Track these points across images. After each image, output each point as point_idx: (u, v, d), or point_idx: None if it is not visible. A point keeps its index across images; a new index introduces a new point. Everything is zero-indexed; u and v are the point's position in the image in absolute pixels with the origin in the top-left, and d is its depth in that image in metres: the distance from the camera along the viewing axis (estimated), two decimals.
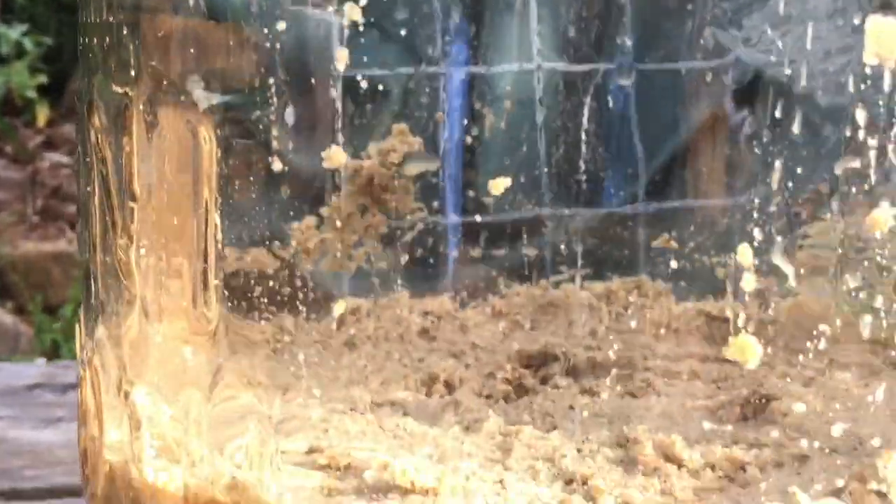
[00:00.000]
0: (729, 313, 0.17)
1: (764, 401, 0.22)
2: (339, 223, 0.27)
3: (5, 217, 1.85)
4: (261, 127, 0.17)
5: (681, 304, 0.31)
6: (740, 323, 0.17)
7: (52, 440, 0.60)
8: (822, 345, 0.18)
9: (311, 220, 0.26)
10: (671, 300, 0.31)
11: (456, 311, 0.33)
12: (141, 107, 0.19)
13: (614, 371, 0.28)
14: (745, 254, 0.17)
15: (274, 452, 0.20)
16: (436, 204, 0.32)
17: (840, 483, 0.18)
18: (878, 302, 0.18)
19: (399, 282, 0.31)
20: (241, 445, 0.20)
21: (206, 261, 0.19)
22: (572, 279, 0.33)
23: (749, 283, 0.17)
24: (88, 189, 0.23)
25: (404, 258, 0.31)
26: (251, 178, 0.18)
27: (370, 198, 0.29)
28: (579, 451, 0.21)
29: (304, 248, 0.24)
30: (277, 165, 0.18)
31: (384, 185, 0.29)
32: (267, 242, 0.19)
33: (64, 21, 2.00)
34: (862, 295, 0.17)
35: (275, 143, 0.17)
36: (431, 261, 0.33)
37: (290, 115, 0.17)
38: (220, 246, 0.19)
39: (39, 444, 0.58)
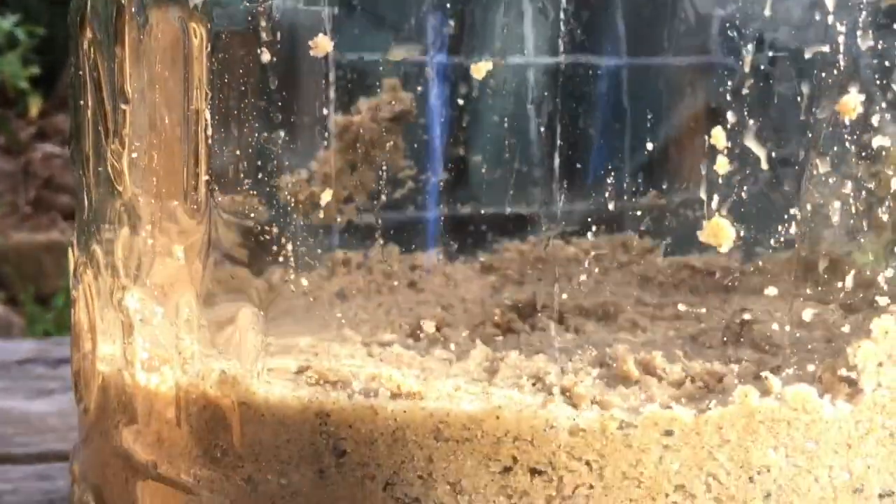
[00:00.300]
0: (703, 195, 0.17)
1: (745, 325, 0.23)
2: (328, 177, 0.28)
3: None
4: (249, 18, 0.18)
5: (666, 259, 0.31)
6: (714, 206, 0.18)
7: (43, 410, 0.60)
8: (794, 229, 0.18)
9: (302, 172, 0.26)
10: (657, 255, 0.32)
11: (445, 266, 0.33)
12: (133, 9, 0.20)
13: (600, 311, 0.29)
14: (718, 136, 0.17)
15: (263, 348, 0.20)
16: (425, 161, 0.32)
17: (811, 368, 0.19)
18: (847, 188, 0.18)
19: (389, 237, 0.32)
20: (231, 340, 0.20)
21: (196, 159, 0.20)
22: (561, 236, 0.33)
23: (722, 165, 0.18)
24: (81, 103, 0.23)
25: (394, 214, 0.32)
26: (241, 71, 0.19)
27: (360, 154, 0.30)
28: (563, 370, 0.22)
29: (296, 200, 0.25)
30: (266, 57, 0.18)
31: (374, 142, 0.30)
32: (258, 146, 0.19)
33: (56, 12, 1.99)
34: (832, 181, 0.18)
35: (263, 35, 0.18)
36: (421, 217, 0.33)
37: (277, 5, 0.18)
38: (210, 143, 0.19)
39: (31, 413, 0.59)
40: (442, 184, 0.33)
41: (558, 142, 0.26)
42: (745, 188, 0.18)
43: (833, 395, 0.19)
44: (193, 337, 0.21)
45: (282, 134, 0.19)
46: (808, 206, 0.18)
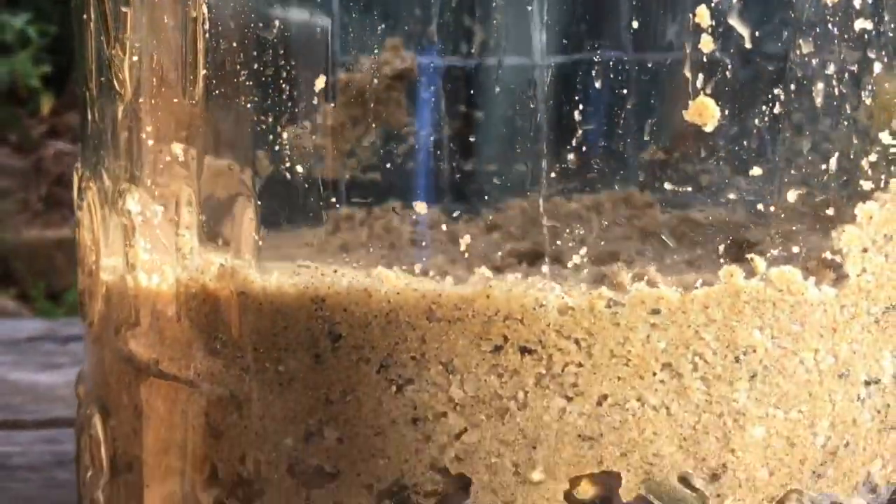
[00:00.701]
0: (688, 74, 0.18)
1: (743, 247, 0.23)
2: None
3: (9, 205, 1.86)
4: None
5: (666, 213, 0.32)
6: (699, 84, 0.18)
7: (52, 381, 0.61)
8: (778, 108, 0.19)
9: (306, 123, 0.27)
10: (657, 210, 0.32)
11: (448, 223, 0.34)
12: None
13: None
14: (702, 15, 0.18)
15: (260, 237, 0.21)
16: (428, 118, 0.33)
17: (796, 250, 0.19)
18: (831, 69, 0.18)
19: (391, 193, 0.32)
20: (229, 232, 0.21)
21: (195, 54, 0.20)
22: (563, 192, 0.34)
23: (706, 44, 0.18)
24: (84, 17, 0.24)
25: (397, 170, 0.32)
26: None
27: (362, 109, 0.30)
28: (555, 255, 0.22)
29: (299, 150, 0.25)
30: None
31: (376, 98, 0.30)
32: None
33: (68, 12, 2.01)
34: (815, 62, 0.18)
35: None
36: (424, 174, 0.34)
37: None
38: (208, 36, 0.20)
39: (40, 384, 0.59)
40: (444, 141, 0.33)
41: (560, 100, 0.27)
42: (729, 67, 0.18)
43: (818, 279, 0.19)
44: (193, 233, 0.21)
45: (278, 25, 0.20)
46: (792, 87, 0.18)
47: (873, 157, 0.19)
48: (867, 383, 0.20)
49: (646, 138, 0.19)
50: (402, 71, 0.31)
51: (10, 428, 0.54)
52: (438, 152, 0.33)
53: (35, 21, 1.92)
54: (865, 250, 0.20)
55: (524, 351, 0.19)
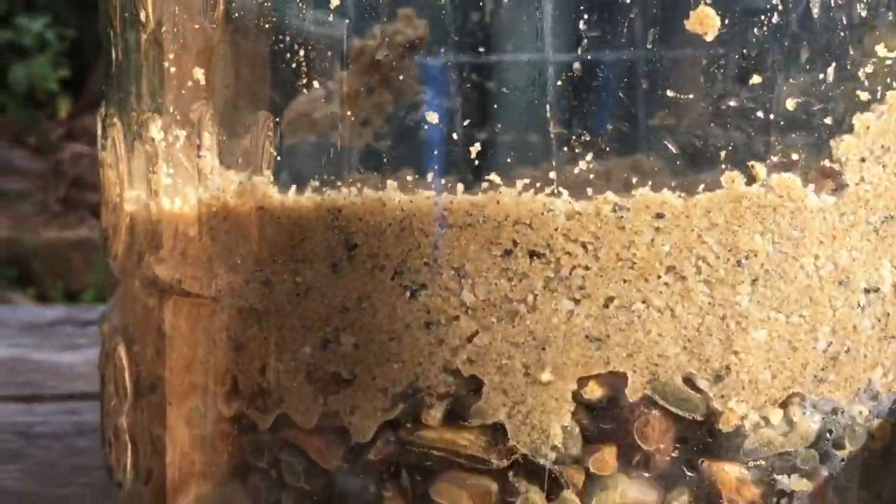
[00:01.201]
0: None
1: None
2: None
3: (27, 207, 1.88)
4: None
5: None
6: None
7: (72, 361, 0.62)
8: (776, 19, 0.19)
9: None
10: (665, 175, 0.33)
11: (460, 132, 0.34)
12: None
13: None
14: None
15: (277, 155, 0.21)
16: (441, 87, 0.33)
17: (795, 157, 0.20)
18: None
19: (405, 161, 0.33)
20: (248, 149, 0.22)
21: None
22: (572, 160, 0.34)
23: None
24: None
25: (410, 139, 0.33)
26: None
27: (376, 78, 0.31)
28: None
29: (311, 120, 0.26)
30: None
31: (389, 66, 0.31)
32: None
33: (86, 16, 2.04)
34: None
35: None
36: (437, 142, 0.34)
37: None
38: None
39: (61, 364, 0.60)
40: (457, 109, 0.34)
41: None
42: None
43: (817, 187, 0.20)
44: (213, 153, 0.22)
45: None
46: None
47: (870, 69, 0.20)
48: (867, 291, 0.21)
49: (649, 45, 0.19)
50: None
51: (31, 401, 0.55)
52: None
53: (53, 25, 1.95)
54: (863, 160, 0.20)
55: (533, 255, 0.20)
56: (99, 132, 0.28)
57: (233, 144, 0.22)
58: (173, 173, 0.23)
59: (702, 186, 0.20)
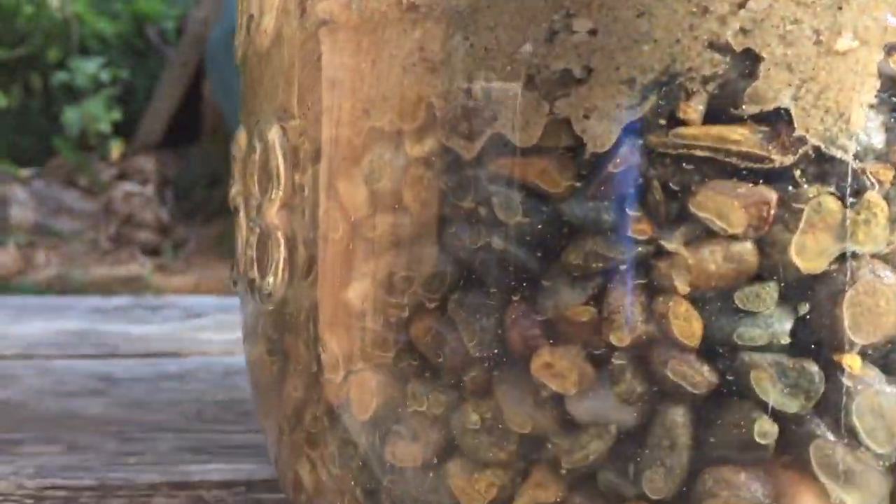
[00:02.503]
0: None
1: None
2: None
3: (78, 245, 1.87)
4: None
5: None
6: None
7: (145, 331, 0.60)
8: None
9: None
10: None
11: None
12: None
13: None
14: None
15: None
16: None
17: None
18: None
19: None
20: None
21: None
22: None
23: None
24: None
25: None
26: None
27: None
28: None
29: None
30: None
31: None
32: None
33: (138, 62, 2.06)
34: None
35: None
36: None
37: None
38: None
39: (132, 333, 0.58)
40: None
41: None
42: None
43: None
44: None
45: None
46: None
47: None
48: None
49: None
50: None
51: (106, 357, 0.52)
52: None
53: (108, 65, 1.96)
54: None
55: None
56: None
57: None
58: None
59: None
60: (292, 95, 0.21)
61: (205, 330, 0.58)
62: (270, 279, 0.22)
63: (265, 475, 0.33)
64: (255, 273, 0.23)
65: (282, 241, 0.22)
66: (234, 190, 0.26)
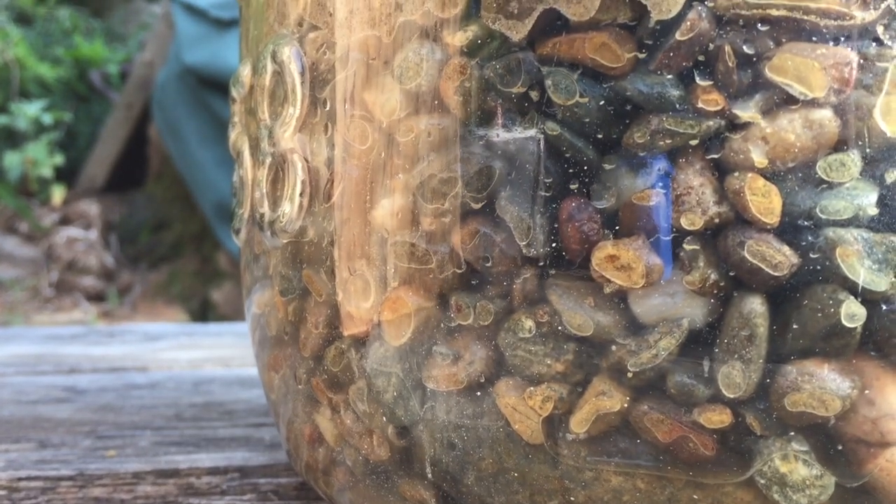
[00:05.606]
0: None
1: None
2: None
3: (18, 293, 1.80)
4: None
5: None
6: None
7: (110, 352, 0.58)
8: None
9: None
10: None
11: None
12: None
13: None
14: None
15: None
16: None
17: None
18: None
19: None
20: None
21: None
22: None
23: None
24: None
25: None
26: None
27: None
28: None
29: None
30: None
31: None
32: None
33: (79, 107, 2.02)
34: None
35: None
36: None
37: None
38: None
39: (94, 354, 0.56)
40: None
41: None
42: None
43: None
44: None
45: None
46: None
47: None
48: None
49: None
50: None
51: (69, 373, 0.50)
52: None
53: (50, 108, 1.91)
54: None
55: None
56: None
57: None
58: None
59: None
60: (311, 4, 0.20)
61: (167, 350, 0.56)
62: (287, 207, 0.20)
63: (262, 461, 0.31)
64: (265, 209, 0.21)
65: (299, 165, 0.20)
66: (234, 134, 0.24)
